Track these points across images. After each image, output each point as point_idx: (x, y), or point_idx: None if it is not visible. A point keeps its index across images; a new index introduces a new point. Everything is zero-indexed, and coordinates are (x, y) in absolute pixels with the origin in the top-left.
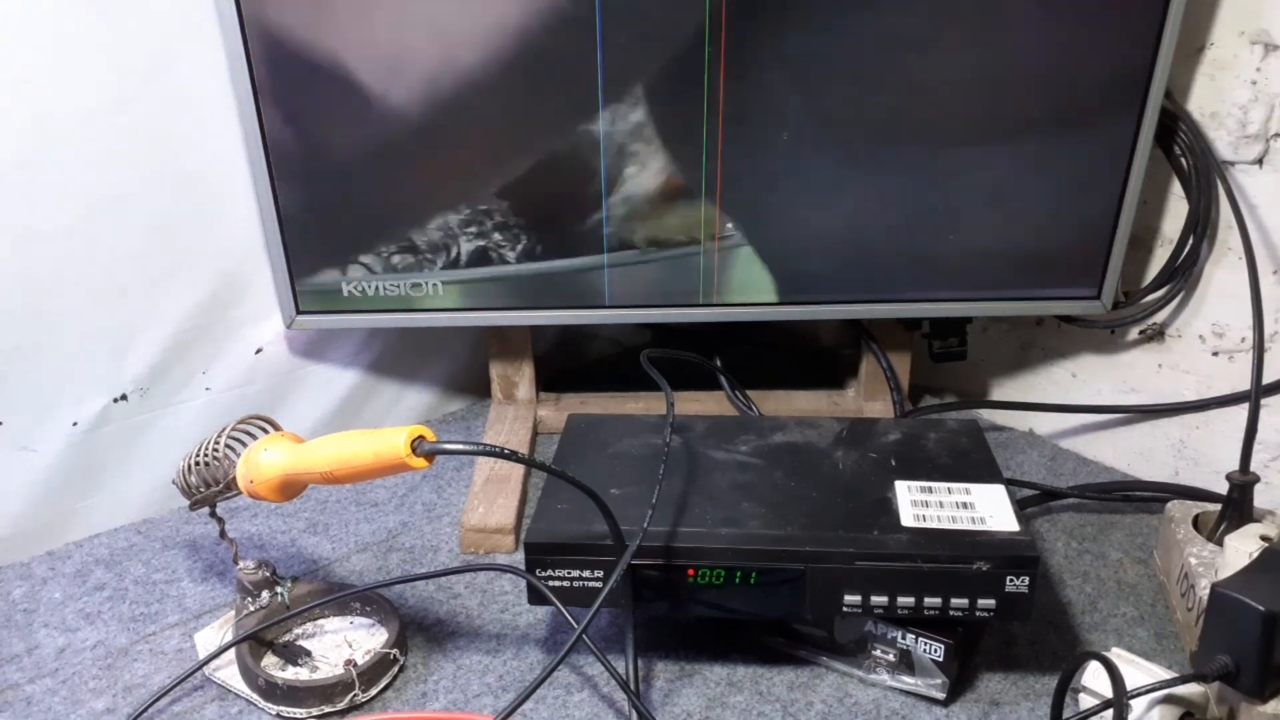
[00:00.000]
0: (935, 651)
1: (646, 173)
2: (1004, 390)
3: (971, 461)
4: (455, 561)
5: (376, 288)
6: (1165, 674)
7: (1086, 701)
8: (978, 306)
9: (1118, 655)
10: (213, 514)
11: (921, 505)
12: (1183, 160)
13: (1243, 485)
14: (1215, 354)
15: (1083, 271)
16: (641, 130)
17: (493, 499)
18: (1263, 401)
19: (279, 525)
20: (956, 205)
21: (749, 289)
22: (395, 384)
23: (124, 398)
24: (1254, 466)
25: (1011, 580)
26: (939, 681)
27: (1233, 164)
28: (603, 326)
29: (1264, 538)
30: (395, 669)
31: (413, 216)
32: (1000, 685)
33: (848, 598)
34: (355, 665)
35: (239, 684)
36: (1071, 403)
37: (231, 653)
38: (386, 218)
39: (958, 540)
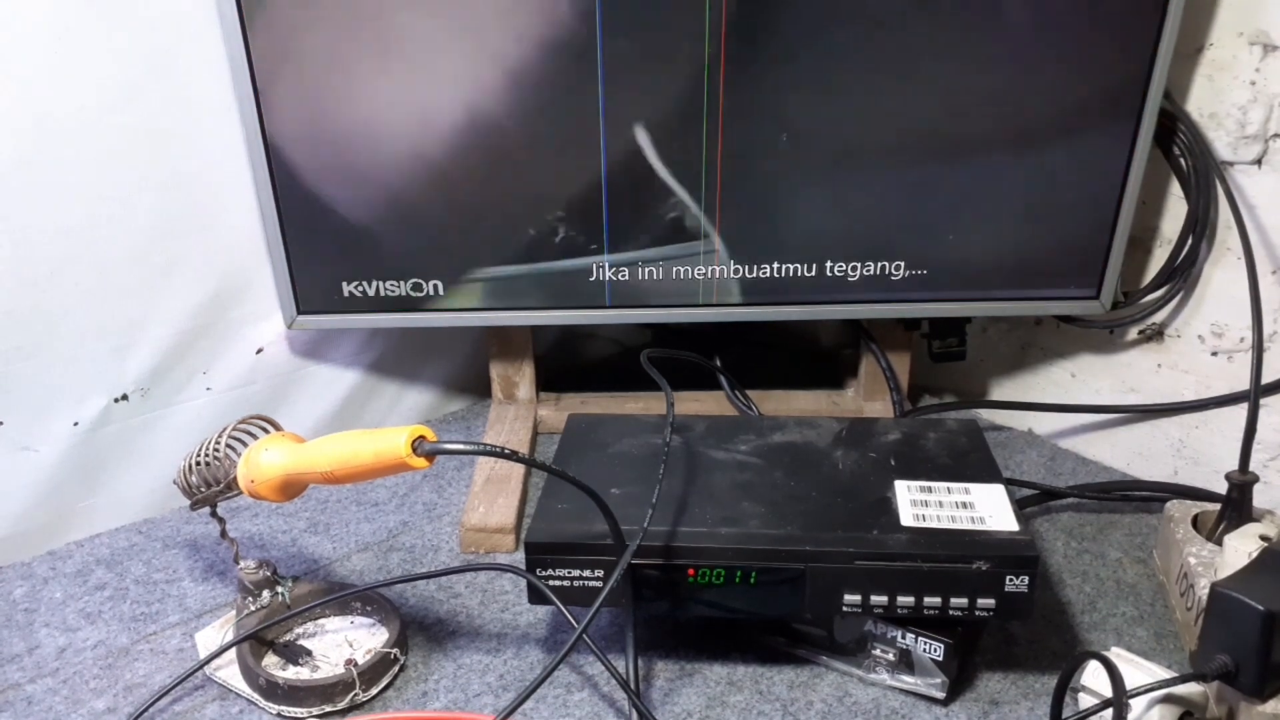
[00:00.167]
0: (935, 651)
1: (647, 175)
2: (1003, 390)
3: (971, 461)
4: (456, 561)
5: (377, 288)
6: (1165, 673)
7: (1086, 701)
8: (977, 306)
9: (1117, 655)
10: (213, 514)
11: (921, 505)
12: (1182, 161)
13: (1242, 485)
14: (1214, 354)
15: (1082, 272)
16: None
17: (493, 499)
18: (1262, 401)
19: (280, 525)
20: (956, 205)
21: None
22: (396, 384)
23: (125, 398)
24: (1253, 466)
25: (1011, 580)
26: (939, 681)
27: (1232, 164)
28: (603, 326)
29: (1263, 537)
30: (396, 668)
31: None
32: (1000, 685)
33: (847, 597)
34: (356, 665)
35: (240, 684)
36: (1071, 402)
37: (232, 652)
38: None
39: (957, 540)
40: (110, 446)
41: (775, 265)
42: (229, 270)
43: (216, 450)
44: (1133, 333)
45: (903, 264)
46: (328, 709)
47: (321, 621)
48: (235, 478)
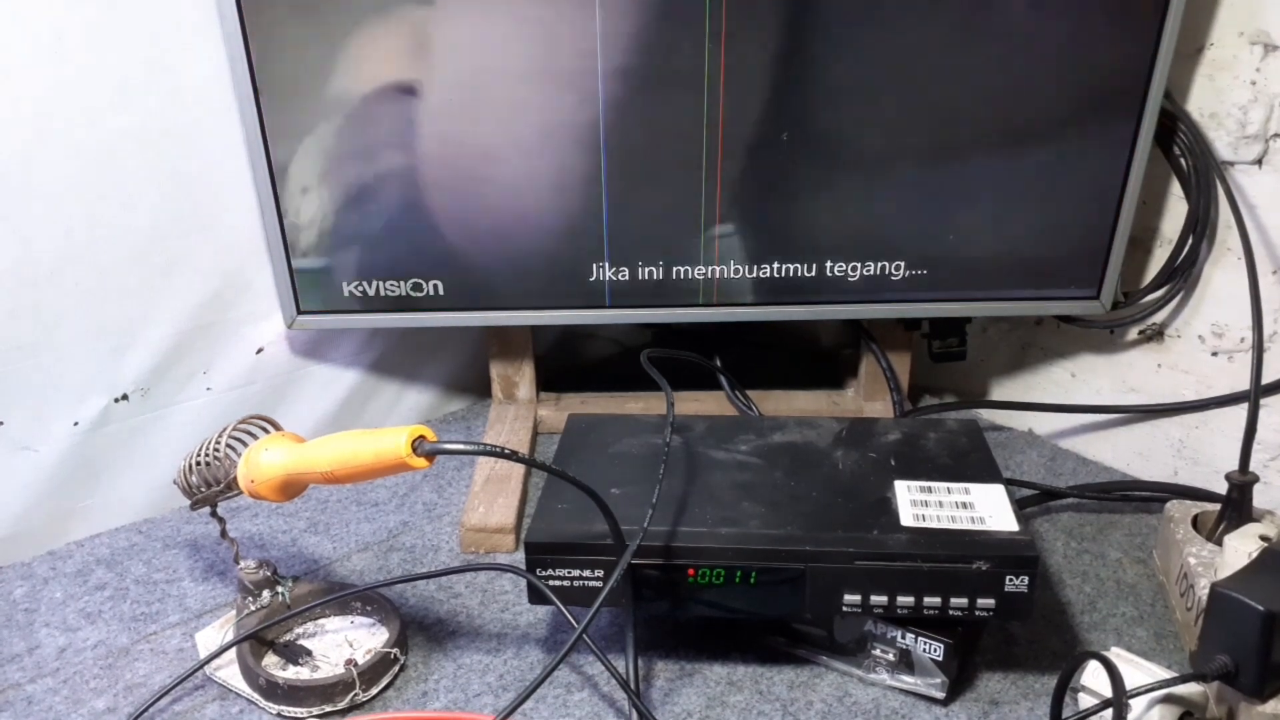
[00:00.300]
0: (935, 651)
1: (647, 174)
2: (1003, 390)
3: (971, 461)
4: (456, 561)
5: (377, 288)
6: (1165, 674)
7: (1086, 701)
8: (977, 306)
9: (1117, 655)
10: (214, 514)
11: (921, 505)
12: (1182, 160)
13: (1242, 485)
14: (1214, 354)
15: (1082, 272)
16: (642, 130)
17: (493, 499)
18: (1262, 401)
19: (280, 525)
20: (956, 206)
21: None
22: (396, 384)
23: (125, 397)
24: (1253, 466)
25: (1011, 580)
26: (939, 681)
27: (1232, 164)
28: (603, 326)
29: (1263, 537)
30: (396, 668)
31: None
32: (1000, 685)
33: (847, 597)
34: (356, 665)
35: (240, 683)
36: (1071, 403)
37: (232, 652)
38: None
39: (957, 540)
40: (110, 446)
41: (775, 265)
42: (229, 270)
43: (216, 450)
44: (1133, 333)
45: (903, 264)
46: (328, 709)
47: (321, 621)
48: (235, 478)
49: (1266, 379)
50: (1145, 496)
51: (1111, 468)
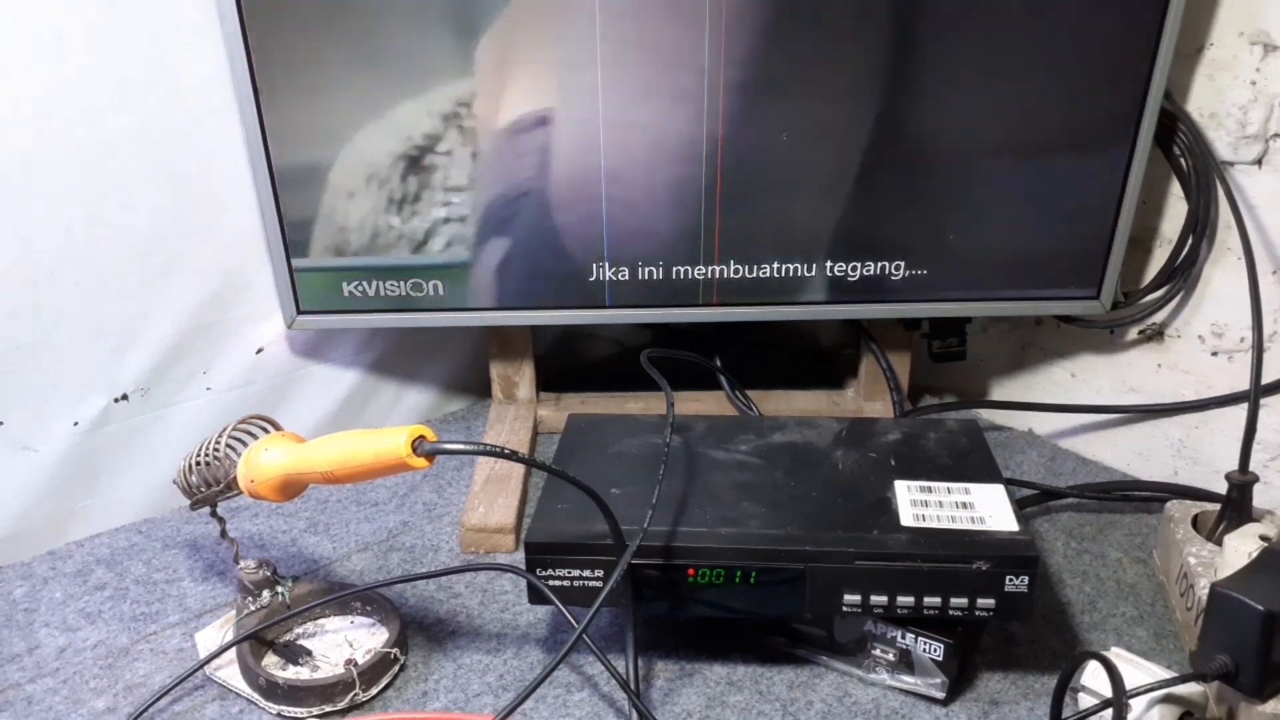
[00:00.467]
0: (935, 651)
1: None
2: (1003, 390)
3: (971, 461)
4: (456, 561)
5: (377, 288)
6: (1164, 673)
7: (1086, 701)
8: (977, 306)
9: (1117, 655)
10: (213, 514)
11: (921, 505)
12: (1182, 161)
13: (1242, 485)
14: (1214, 354)
15: (1082, 272)
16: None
17: (493, 499)
18: (1262, 401)
19: (279, 525)
20: (956, 206)
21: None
22: (396, 384)
23: (125, 397)
24: (1253, 466)
25: (1011, 580)
26: (939, 681)
27: (1232, 164)
28: (603, 326)
29: (1263, 537)
30: (396, 668)
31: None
32: (1000, 685)
33: (847, 597)
34: (356, 665)
35: (240, 683)
36: (1071, 403)
37: (232, 652)
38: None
39: (957, 540)
40: (110, 446)
41: (775, 265)
42: (229, 270)
43: (216, 450)
44: (1133, 333)
45: (903, 264)
46: (328, 709)
47: (321, 621)
48: (235, 478)
49: (1266, 379)
50: (1145, 496)
51: (1111, 468)
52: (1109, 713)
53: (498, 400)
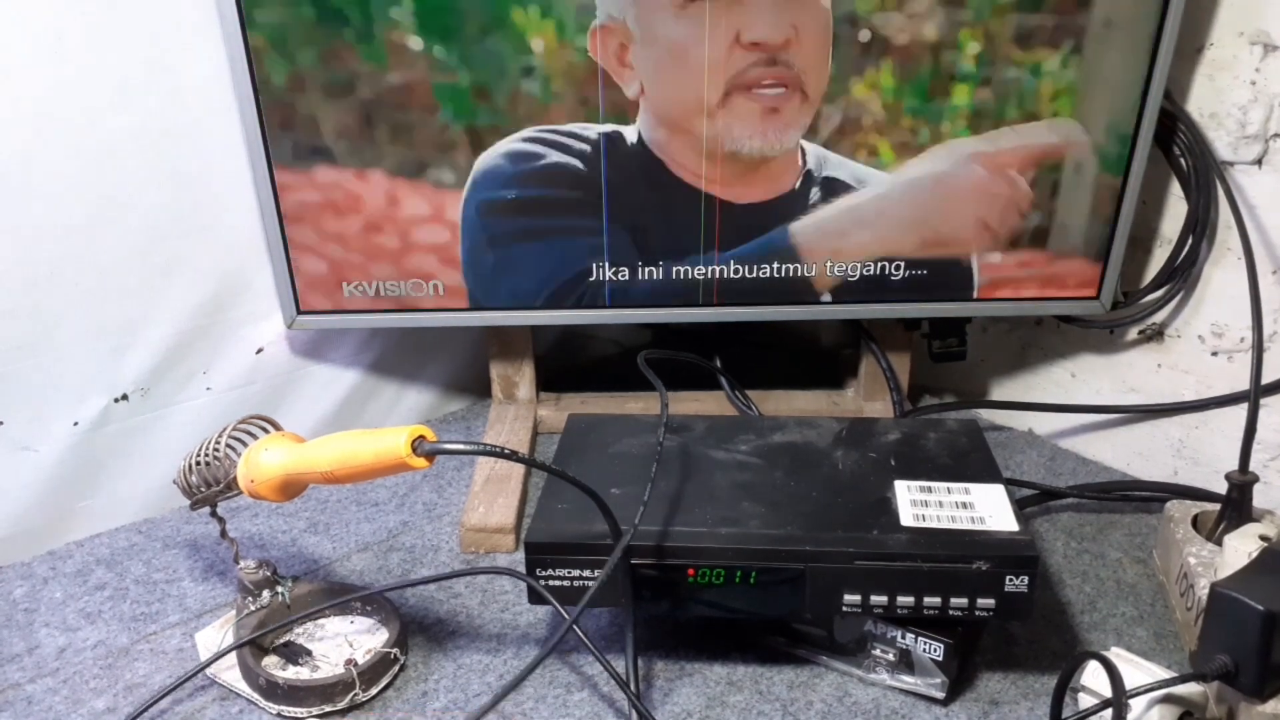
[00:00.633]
0: (935, 651)
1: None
2: (1003, 390)
3: (971, 461)
4: (456, 560)
5: (377, 288)
6: (1164, 673)
7: (1086, 701)
8: (977, 306)
9: (1117, 655)
10: (213, 514)
11: (921, 505)
12: (1182, 161)
13: (1242, 485)
14: (1214, 354)
15: (1082, 272)
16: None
17: (493, 499)
18: (1262, 401)
19: (280, 525)
20: (956, 206)
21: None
22: (396, 384)
23: (125, 397)
24: (1253, 466)
25: (1011, 580)
26: (938, 681)
27: (1232, 164)
28: (603, 326)
29: (1263, 537)
30: (396, 668)
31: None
32: (1000, 685)
33: (847, 597)
34: (356, 665)
35: (240, 684)
36: (1071, 403)
37: (232, 653)
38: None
39: (957, 540)
40: (110, 446)
41: (775, 265)
42: (229, 270)
43: (216, 450)
44: (1133, 333)
45: (903, 264)
46: (328, 709)
47: (321, 622)
48: (235, 478)
49: (1266, 379)
50: (1145, 496)
51: (1111, 468)
52: (1109, 713)
53: (498, 400)
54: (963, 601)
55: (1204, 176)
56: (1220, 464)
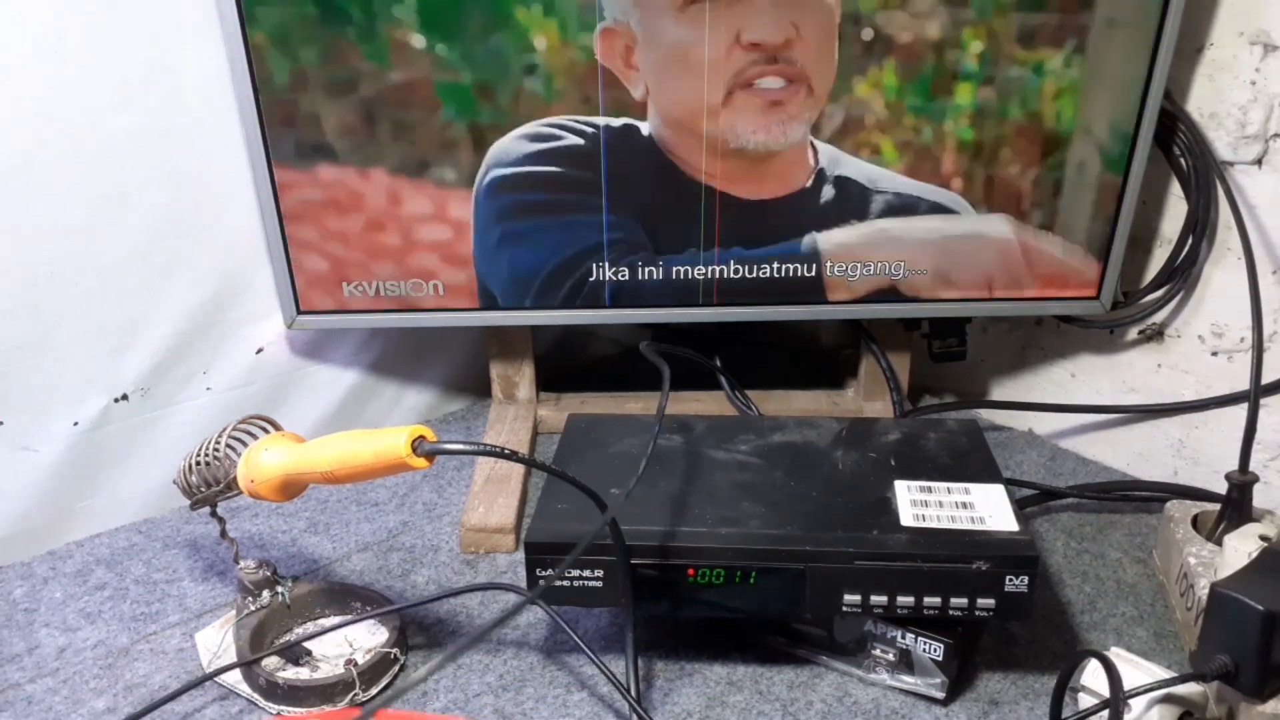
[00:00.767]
0: (935, 651)
1: (645, 173)
2: (1003, 390)
3: (971, 461)
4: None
5: (377, 288)
6: (1164, 673)
7: (1086, 701)
8: (977, 306)
9: (1117, 655)
10: (213, 514)
11: (921, 505)
12: (1182, 161)
13: (1242, 485)
14: (1214, 354)
15: (1082, 271)
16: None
17: (493, 498)
18: (1262, 401)
19: (279, 525)
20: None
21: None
22: (396, 384)
23: (125, 397)
24: (1253, 466)
25: (1011, 580)
26: (938, 681)
27: (1232, 164)
28: (603, 326)
29: (1263, 537)
30: (395, 668)
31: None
32: (1000, 684)
33: (847, 597)
34: (356, 665)
35: (240, 684)
36: (1071, 403)
37: (232, 652)
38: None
39: (957, 540)
40: (110, 446)
41: (775, 265)
42: (229, 270)
43: (216, 450)
44: (1133, 333)
45: (903, 264)
46: (327, 709)
47: (321, 622)
48: (235, 478)
49: (1266, 379)
50: (1145, 496)
51: (1111, 468)
52: (1109, 712)
53: (498, 400)
54: (963, 601)
55: (1204, 176)
56: (1220, 464)
